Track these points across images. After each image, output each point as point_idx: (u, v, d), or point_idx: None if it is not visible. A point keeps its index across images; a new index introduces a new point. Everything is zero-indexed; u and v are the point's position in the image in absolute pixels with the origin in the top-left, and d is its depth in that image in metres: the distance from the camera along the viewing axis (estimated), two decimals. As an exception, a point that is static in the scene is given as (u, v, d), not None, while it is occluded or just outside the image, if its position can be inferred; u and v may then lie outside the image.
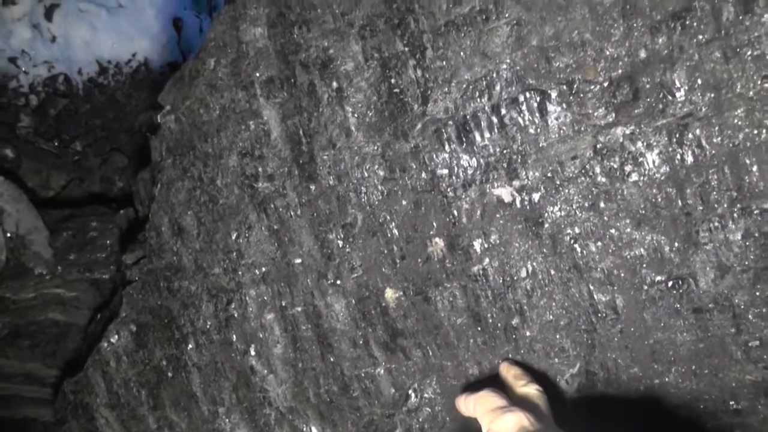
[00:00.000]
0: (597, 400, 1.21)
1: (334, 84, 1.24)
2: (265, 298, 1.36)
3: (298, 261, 1.32)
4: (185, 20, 2.99)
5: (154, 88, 2.77)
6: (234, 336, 1.40)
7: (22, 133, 2.28)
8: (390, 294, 1.27)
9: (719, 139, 1.02)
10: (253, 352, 1.40)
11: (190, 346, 1.45)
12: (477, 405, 1.08)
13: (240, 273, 1.38)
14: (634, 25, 1.03)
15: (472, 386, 1.22)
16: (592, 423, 1.22)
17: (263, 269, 1.36)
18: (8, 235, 1.76)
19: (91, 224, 1.80)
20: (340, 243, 1.28)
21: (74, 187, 2.13)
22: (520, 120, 1.12)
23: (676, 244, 1.08)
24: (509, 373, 1.19)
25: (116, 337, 1.52)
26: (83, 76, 2.66)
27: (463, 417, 1.18)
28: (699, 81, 1.01)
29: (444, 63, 1.15)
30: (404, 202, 1.22)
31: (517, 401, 1.08)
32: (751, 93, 0.98)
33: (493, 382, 1.19)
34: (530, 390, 1.11)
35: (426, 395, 1.30)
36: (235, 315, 1.39)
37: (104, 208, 1.86)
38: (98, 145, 2.38)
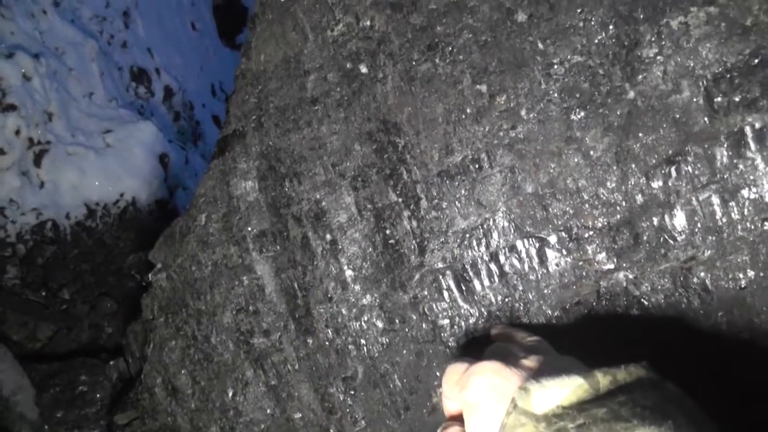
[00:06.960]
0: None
1: (328, 236, 1.22)
2: (266, 456, 1.30)
3: (298, 416, 1.27)
4: (171, 156, 3.01)
5: (142, 227, 2.77)
6: (234, 497, 1.33)
7: (8, 285, 2.24)
8: (396, 447, 1.22)
9: (725, 282, 1.00)
10: None
11: None
12: (446, 385, 0.88)
13: (238, 431, 1.32)
14: (629, 170, 1.03)
15: None
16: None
17: (262, 426, 1.30)
18: (-10, 398, 1.70)
19: (80, 378, 1.73)
20: (341, 396, 1.24)
21: (62, 337, 2.08)
22: (520, 267, 1.10)
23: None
24: (501, 338, 1.02)
25: (109, 505, 1.45)
26: (71, 220, 2.63)
27: None
28: (699, 224, 1.00)
29: (439, 213, 1.14)
30: (405, 353, 1.19)
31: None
32: (752, 235, 0.97)
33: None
34: (529, 343, 0.92)
35: None
36: (235, 476, 1.33)
37: (93, 359, 1.80)
38: (86, 291, 2.34)
